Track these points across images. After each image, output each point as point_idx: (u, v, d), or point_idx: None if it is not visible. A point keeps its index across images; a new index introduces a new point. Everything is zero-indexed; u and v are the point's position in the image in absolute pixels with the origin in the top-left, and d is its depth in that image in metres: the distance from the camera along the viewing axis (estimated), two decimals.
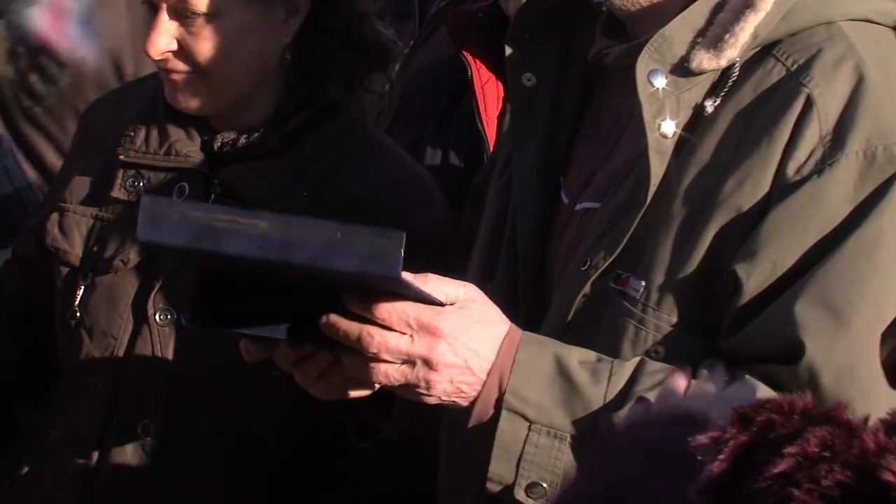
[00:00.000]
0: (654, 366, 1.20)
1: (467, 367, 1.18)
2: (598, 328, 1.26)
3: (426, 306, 1.17)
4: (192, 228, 1.17)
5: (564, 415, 1.19)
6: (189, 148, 1.63)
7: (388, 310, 1.15)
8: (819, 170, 1.18)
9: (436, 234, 1.63)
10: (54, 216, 1.70)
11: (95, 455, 1.65)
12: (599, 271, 1.26)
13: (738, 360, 1.18)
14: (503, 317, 1.23)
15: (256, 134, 1.62)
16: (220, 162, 1.63)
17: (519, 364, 1.19)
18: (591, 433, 1.17)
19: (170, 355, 1.64)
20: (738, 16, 1.23)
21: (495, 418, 1.20)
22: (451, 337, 1.17)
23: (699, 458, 0.62)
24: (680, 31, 1.25)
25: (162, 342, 1.63)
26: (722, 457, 0.61)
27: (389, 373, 1.17)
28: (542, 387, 1.19)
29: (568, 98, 1.39)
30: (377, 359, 1.16)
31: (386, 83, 1.77)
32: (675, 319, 1.23)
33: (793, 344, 1.15)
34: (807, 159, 1.19)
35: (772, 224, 1.18)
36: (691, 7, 1.26)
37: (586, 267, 1.28)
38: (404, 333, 1.16)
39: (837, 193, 1.18)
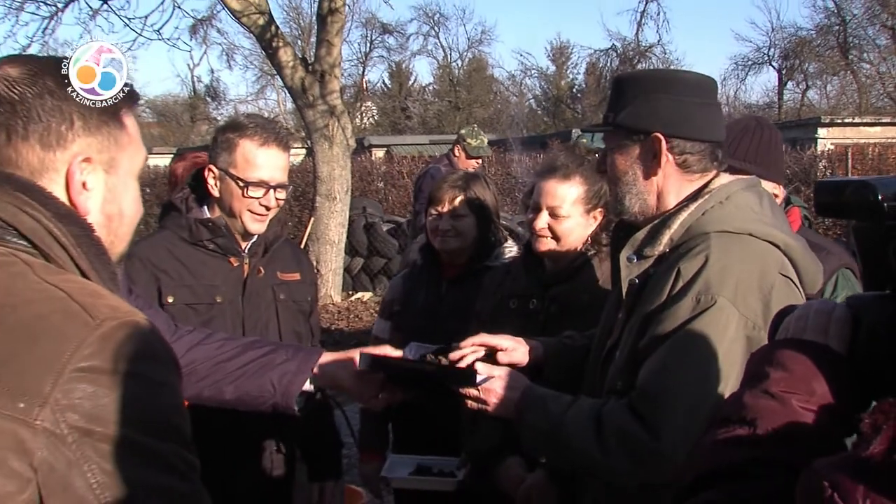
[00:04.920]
0: (586, 401, 2.28)
1: (503, 404, 2.34)
2: (607, 372, 2.36)
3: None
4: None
5: (543, 427, 2.27)
6: (535, 282, 3.24)
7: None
8: (675, 302, 2.13)
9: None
10: None
11: None
12: (609, 345, 2.38)
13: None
14: (525, 381, 2.36)
15: (563, 269, 3.18)
16: (548, 286, 3.20)
17: (525, 404, 2.31)
18: (552, 433, 2.24)
19: None
20: (663, 231, 2.26)
21: (520, 426, 2.32)
22: (495, 391, 2.35)
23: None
24: (642, 236, 2.30)
25: None
26: (881, 437, 0.81)
27: (472, 405, 2.38)
28: (536, 416, 2.28)
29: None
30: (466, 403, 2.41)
31: None
32: (626, 369, 2.22)
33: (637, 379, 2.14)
34: (673, 296, 2.14)
35: (653, 324, 2.15)
36: (649, 226, 2.30)
37: (609, 341, 2.40)
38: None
39: (680, 314, 2.11)
